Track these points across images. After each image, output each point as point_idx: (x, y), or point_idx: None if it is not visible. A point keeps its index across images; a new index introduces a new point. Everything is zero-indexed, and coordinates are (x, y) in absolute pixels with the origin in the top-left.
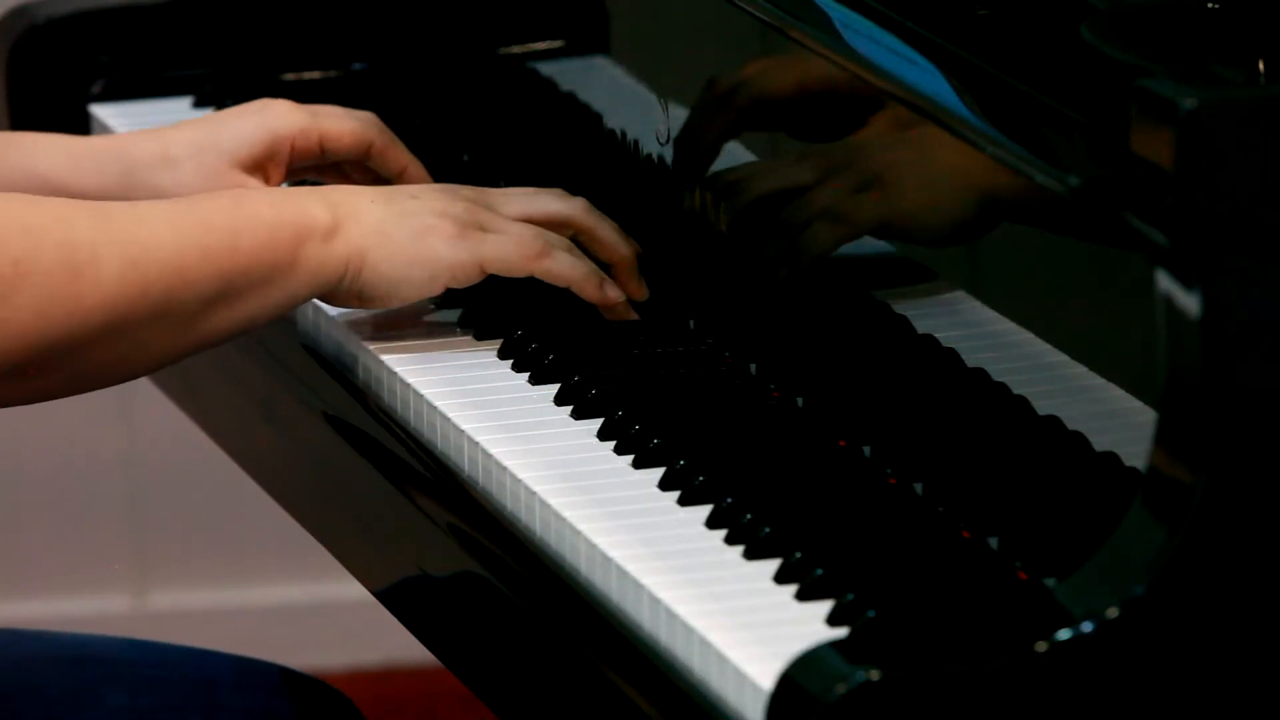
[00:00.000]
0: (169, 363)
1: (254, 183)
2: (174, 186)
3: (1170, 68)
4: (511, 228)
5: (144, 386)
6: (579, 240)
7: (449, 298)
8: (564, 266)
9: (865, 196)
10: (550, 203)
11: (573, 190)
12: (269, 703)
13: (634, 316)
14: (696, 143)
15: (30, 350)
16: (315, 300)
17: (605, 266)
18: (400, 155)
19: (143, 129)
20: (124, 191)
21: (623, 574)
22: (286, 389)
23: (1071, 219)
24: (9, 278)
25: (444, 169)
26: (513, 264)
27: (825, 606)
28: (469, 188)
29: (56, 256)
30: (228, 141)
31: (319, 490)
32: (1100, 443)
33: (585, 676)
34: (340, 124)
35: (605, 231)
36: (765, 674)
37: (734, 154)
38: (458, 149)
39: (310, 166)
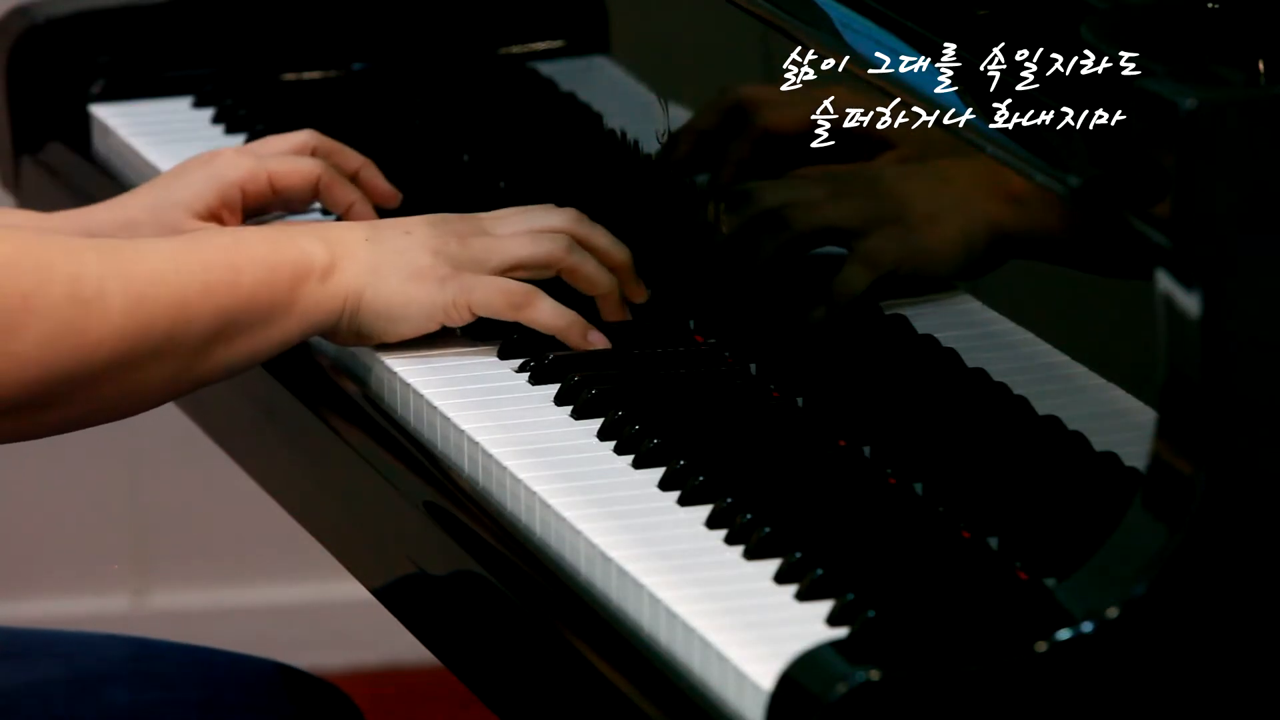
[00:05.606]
0: (168, 399)
1: (214, 229)
2: None
3: (1170, 68)
4: (496, 275)
5: None
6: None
7: None
8: (548, 316)
9: (889, 231)
10: (543, 216)
11: (573, 189)
12: (268, 700)
13: (627, 317)
14: (692, 148)
15: (37, 384)
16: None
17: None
18: (348, 192)
19: (103, 202)
20: None
21: (623, 574)
22: (286, 389)
23: (1078, 250)
24: (18, 311)
25: (444, 169)
26: (499, 312)
27: (825, 606)
28: (460, 216)
29: (64, 291)
30: (181, 196)
31: (318, 490)
32: (1100, 443)
33: (585, 676)
34: (286, 164)
35: (600, 238)
36: (765, 674)
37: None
38: (458, 149)
39: (266, 206)
